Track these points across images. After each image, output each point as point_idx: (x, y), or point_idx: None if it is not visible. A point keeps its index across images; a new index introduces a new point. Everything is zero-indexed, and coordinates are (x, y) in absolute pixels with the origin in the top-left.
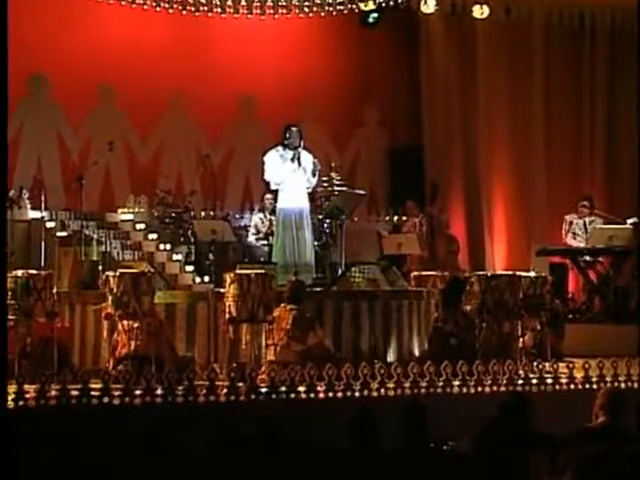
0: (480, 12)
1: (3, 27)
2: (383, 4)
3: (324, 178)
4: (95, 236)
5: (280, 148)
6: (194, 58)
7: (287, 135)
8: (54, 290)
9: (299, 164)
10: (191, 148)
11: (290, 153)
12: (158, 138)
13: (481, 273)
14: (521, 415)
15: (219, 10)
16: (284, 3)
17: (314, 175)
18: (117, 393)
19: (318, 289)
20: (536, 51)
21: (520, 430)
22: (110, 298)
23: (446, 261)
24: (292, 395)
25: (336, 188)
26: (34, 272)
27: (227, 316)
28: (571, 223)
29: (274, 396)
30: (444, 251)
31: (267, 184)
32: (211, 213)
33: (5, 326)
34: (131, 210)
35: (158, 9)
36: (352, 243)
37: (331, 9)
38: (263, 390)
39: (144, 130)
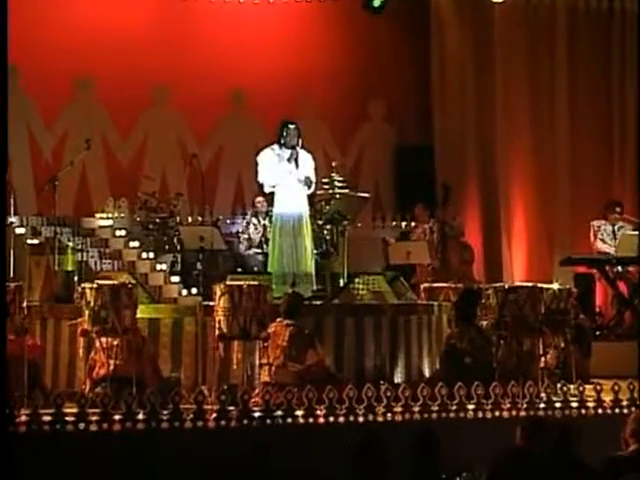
0: None
1: (3, 27)
2: None
3: (324, 180)
4: (70, 244)
5: (276, 147)
6: (180, 46)
7: (283, 132)
8: (24, 304)
9: (296, 165)
10: (177, 146)
11: (287, 152)
12: (140, 135)
13: (498, 285)
14: (546, 441)
15: None
16: None
17: (308, 187)
18: (94, 418)
19: (318, 302)
20: (560, 38)
21: (545, 459)
22: (87, 313)
23: (459, 271)
24: (289, 420)
25: (338, 191)
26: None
27: (217, 332)
28: (598, 229)
29: (269, 421)
30: (457, 260)
31: (261, 186)
32: (199, 218)
33: (5, 327)
34: (110, 215)
35: None
36: (355, 251)
37: None
38: (257, 414)
39: (125, 126)
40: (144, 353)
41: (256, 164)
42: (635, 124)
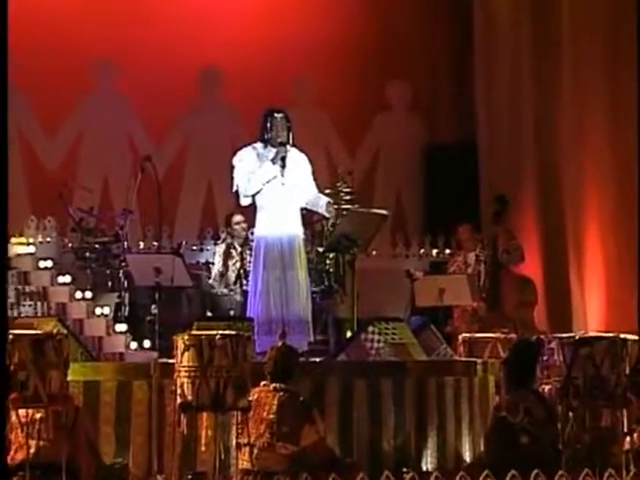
0: None
1: (3, 28)
2: None
3: (327, 191)
4: None
5: (259, 145)
6: (126, 11)
7: (268, 125)
8: None
9: (283, 166)
10: (123, 145)
11: (272, 152)
12: (73, 131)
13: (566, 335)
14: None
15: None
16: None
17: (329, 213)
18: None
19: (317, 360)
20: None
21: None
22: None
23: (516, 317)
24: None
25: (344, 206)
26: None
27: (178, 401)
28: None
29: None
30: (514, 301)
31: (237, 198)
32: (154, 244)
33: (5, 329)
34: (32, 240)
35: None
36: (369, 289)
37: None
38: None
39: (51, 120)
40: (78, 430)
41: (232, 169)
42: None
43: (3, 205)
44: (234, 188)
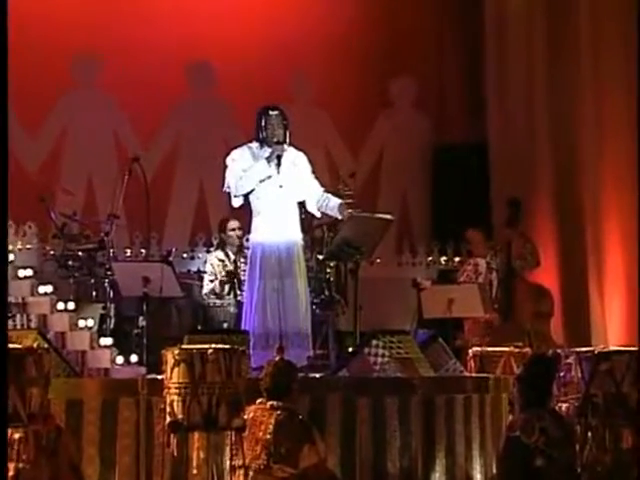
0: None
1: (3, 28)
2: None
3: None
4: None
5: (255, 145)
6: (114, 3)
7: (263, 123)
8: None
9: (278, 165)
10: (110, 145)
11: (268, 151)
12: (55, 130)
13: (584, 350)
14: None
15: None
16: None
17: (341, 214)
18: None
19: (317, 375)
20: None
21: None
22: None
23: (531, 329)
24: None
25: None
26: None
27: (168, 420)
28: None
29: None
30: (529, 312)
31: (230, 199)
32: (142, 251)
33: (5, 328)
34: (11, 247)
35: None
36: (373, 299)
37: None
38: None
39: (32, 118)
40: (60, 451)
41: (224, 169)
42: None
43: (3, 205)
44: (225, 187)
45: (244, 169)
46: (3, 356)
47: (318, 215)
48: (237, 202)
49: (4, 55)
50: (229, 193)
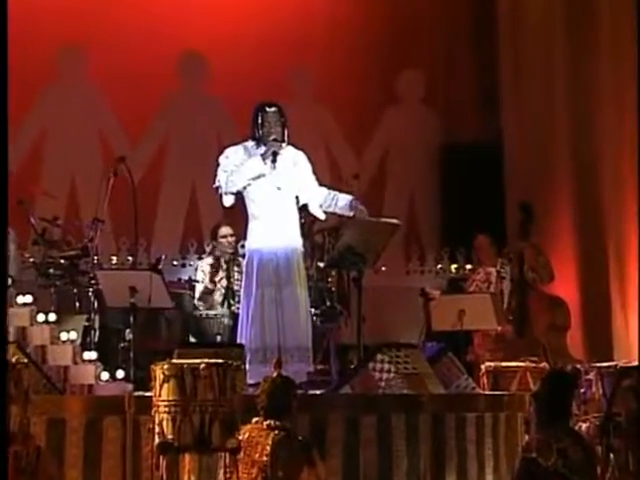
0: None
1: (3, 28)
2: None
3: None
4: None
5: (250, 143)
6: None
7: (259, 120)
8: None
9: (274, 163)
10: (94, 144)
11: (263, 149)
12: (35, 127)
13: (606, 365)
14: None
15: None
16: None
17: (354, 211)
18: None
19: (318, 392)
20: None
21: None
22: None
23: (546, 343)
24: None
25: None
26: None
27: (157, 440)
28: None
29: None
30: (543, 325)
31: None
32: (129, 258)
33: (5, 329)
34: None
35: None
36: (377, 310)
37: None
38: None
39: (11, 114)
40: (40, 474)
41: (217, 167)
42: None
43: (3, 205)
44: (215, 184)
45: (236, 165)
46: (3, 360)
47: (322, 217)
48: (228, 201)
49: (4, 55)
50: (221, 195)
